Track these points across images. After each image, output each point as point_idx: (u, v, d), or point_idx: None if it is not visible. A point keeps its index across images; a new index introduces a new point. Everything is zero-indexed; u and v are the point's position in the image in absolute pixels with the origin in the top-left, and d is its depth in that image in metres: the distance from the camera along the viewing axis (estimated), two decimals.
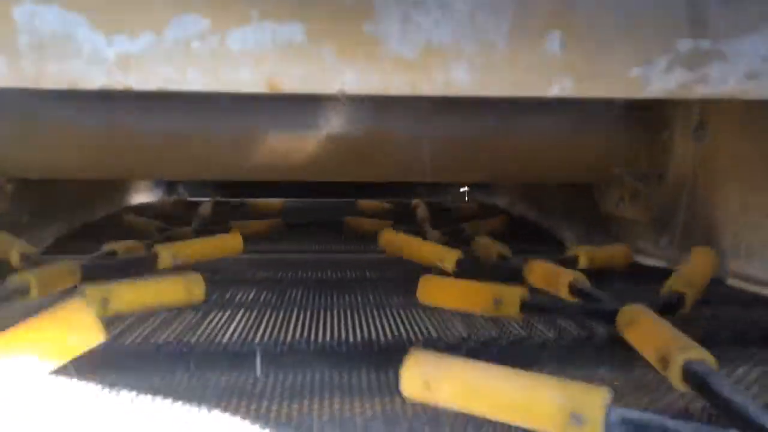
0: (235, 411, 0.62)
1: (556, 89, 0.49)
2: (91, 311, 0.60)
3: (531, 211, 1.88)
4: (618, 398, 0.49)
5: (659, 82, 0.50)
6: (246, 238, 1.28)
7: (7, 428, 0.56)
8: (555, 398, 0.48)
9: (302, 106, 1.29)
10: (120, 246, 1.18)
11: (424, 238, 1.33)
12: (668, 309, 0.79)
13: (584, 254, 1.13)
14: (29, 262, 1.07)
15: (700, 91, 0.51)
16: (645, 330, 0.69)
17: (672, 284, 0.88)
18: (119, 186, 1.97)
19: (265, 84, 0.49)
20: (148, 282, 0.90)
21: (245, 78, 0.48)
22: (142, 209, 1.93)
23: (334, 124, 1.30)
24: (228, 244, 1.17)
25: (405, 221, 1.68)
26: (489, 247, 1.24)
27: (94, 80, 0.46)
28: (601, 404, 0.45)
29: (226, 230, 1.52)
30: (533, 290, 0.96)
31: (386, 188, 2.11)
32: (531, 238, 1.61)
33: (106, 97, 1.24)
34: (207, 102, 1.26)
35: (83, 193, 1.69)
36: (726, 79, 0.50)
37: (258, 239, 1.54)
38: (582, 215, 1.56)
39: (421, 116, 1.30)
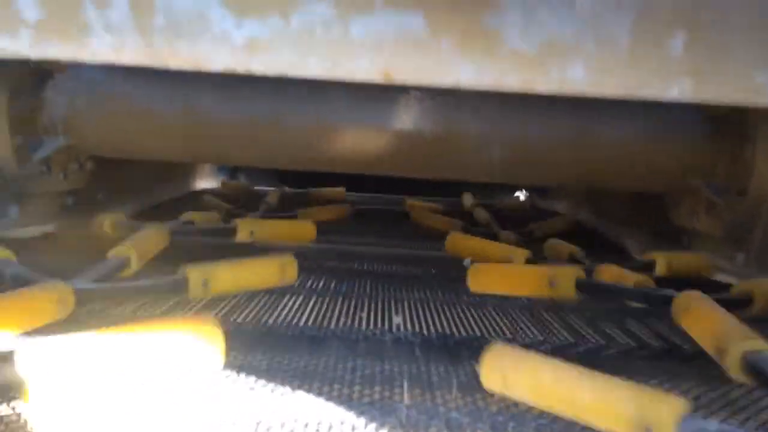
0: (318, 393, 0.63)
1: (675, 92, 0.48)
2: (221, 336, 0.62)
3: (592, 217, 1.85)
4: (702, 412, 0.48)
5: None
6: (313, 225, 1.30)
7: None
8: (628, 405, 0.47)
9: (375, 101, 1.30)
10: (198, 216, 1.23)
11: (494, 239, 1.32)
12: (733, 305, 0.76)
13: (662, 260, 1.10)
14: (122, 228, 1.13)
15: None
16: (701, 317, 0.67)
17: (743, 286, 0.85)
18: (186, 170, 2.03)
19: (380, 74, 0.49)
20: (245, 263, 0.93)
21: (363, 67, 0.49)
22: (210, 193, 1.98)
23: (405, 120, 1.30)
24: (302, 230, 1.19)
25: (465, 221, 1.67)
26: (560, 248, 1.23)
27: (219, 62, 0.47)
28: (674, 415, 0.44)
29: (293, 216, 1.55)
30: None
31: (435, 187, 2.10)
32: (593, 244, 1.59)
33: (184, 82, 1.28)
34: (281, 91, 1.29)
35: (152, 176, 1.75)
36: None
37: (325, 227, 1.57)
38: (648, 224, 1.53)
39: (492, 116, 1.29)
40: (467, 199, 2.04)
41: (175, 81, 1.28)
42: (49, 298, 0.71)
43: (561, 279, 0.83)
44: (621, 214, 1.69)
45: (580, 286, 0.82)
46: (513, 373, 0.58)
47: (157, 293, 0.86)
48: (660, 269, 1.09)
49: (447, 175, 1.40)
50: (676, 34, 0.47)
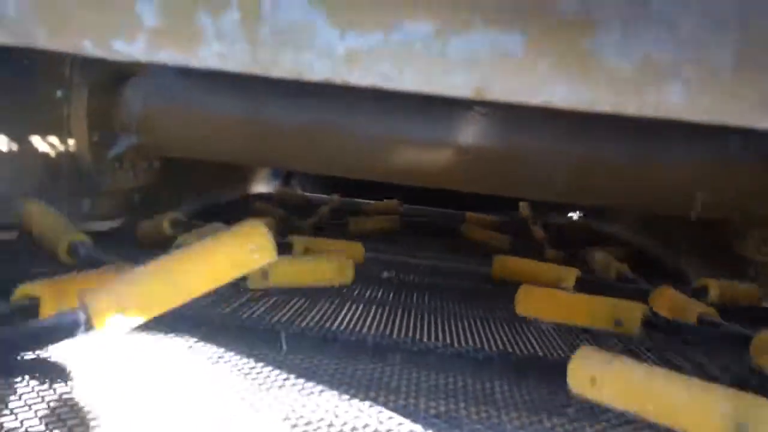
0: (384, 402, 0.64)
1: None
2: (266, 231, 0.63)
3: (651, 242, 1.81)
4: None
5: None
6: (365, 235, 1.31)
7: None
8: (722, 407, 0.46)
9: (439, 114, 1.31)
10: None
11: (541, 257, 1.31)
12: None
13: (715, 287, 1.08)
14: (179, 227, 1.16)
15: None
16: None
17: None
18: (245, 174, 2.07)
19: (473, 91, 0.50)
20: (304, 260, 0.95)
21: (456, 83, 0.49)
22: (264, 197, 2.02)
23: (468, 135, 1.31)
24: (352, 250, 1.20)
25: (517, 236, 1.67)
26: (607, 263, 1.21)
27: (320, 72, 0.49)
28: None
29: (344, 224, 1.57)
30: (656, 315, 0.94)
31: (492, 200, 2.09)
32: (651, 270, 1.55)
33: (252, 88, 1.31)
34: (346, 100, 1.31)
35: (212, 178, 1.80)
36: None
37: (375, 238, 1.58)
38: (710, 253, 1.49)
39: (556, 135, 1.28)
40: (524, 209, 2.03)
41: (244, 87, 1.31)
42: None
43: (626, 314, 0.81)
44: (680, 241, 1.65)
45: (646, 324, 0.80)
46: (602, 375, 0.58)
47: None
48: (713, 296, 1.06)
49: (507, 192, 1.40)
50: None
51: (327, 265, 0.97)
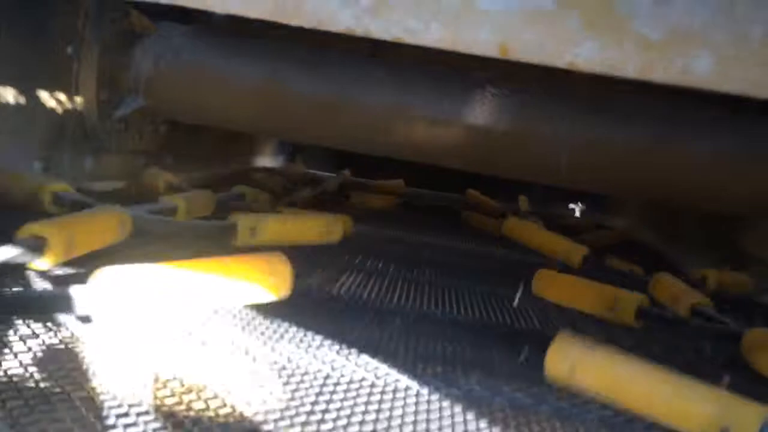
0: (383, 361, 0.63)
1: None
2: (288, 266, 0.63)
3: (652, 236, 1.80)
4: None
5: None
6: (367, 213, 1.31)
7: None
8: (708, 405, 0.46)
9: (451, 92, 1.30)
10: (249, 191, 1.27)
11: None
12: None
13: (713, 276, 1.08)
14: (173, 189, 1.16)
15: None
16: None
17: None
18: (250, 147, 2.06)
19: (497, 47, 0.49)
20: (292, 217, 0.95)
21: (482, 38, 0.49)
22: (268, 171, 2.01)
23: (478, 114, 1.30)
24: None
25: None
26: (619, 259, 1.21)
27: (341, 22, 0.48)
28: (756, 421, 0.43)
29: (347, 198, 1.57)
30: (654, 303, 0.94)
31: (494, 190, 2.09)
32: (647, 261, 1.55)
33: (266, 54, 1.30)
34: (360, 71, 1.29)
35: (217, 148, 1.78)
36: None
37: (375, 215, 1.58)
38: (714, 249, 1.48)
39: (565, 118, 1.27)
40: (523, 203, 2.03)
41: (258, 51, 1.29)
42: (111, 220, 0.73)
43: (623, 304, 0.82)
44: (685, 236, 1.64)
45: (641, 313, 0.81)
46: (582, 364, 0.57)
47: (207, 235, 0.88)
48: (711, 285, 1.06)
49: (513, 174, 1.39)
50: None
51: (314, 223, 0.96)
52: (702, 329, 0.84)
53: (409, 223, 1.62)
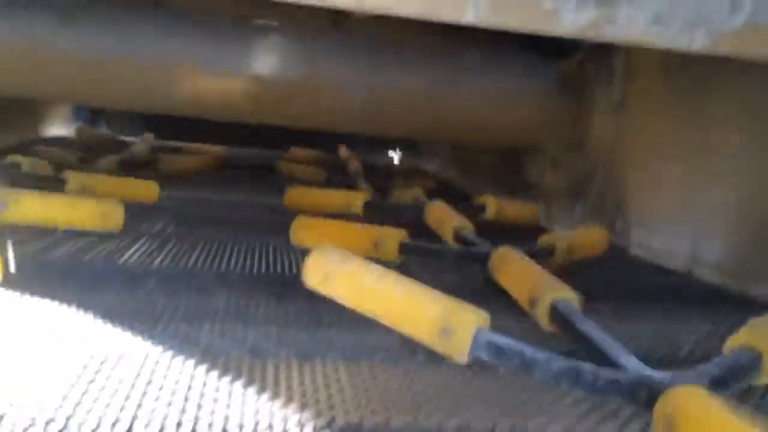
0: (124, 328, 0.60)
1: (470, 15, 0.48)
2: None
3: (457, 175, 1.90)
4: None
5: (571, 17, 0.50)
6: (174, 176, 1.24)
7: None
8: (434, 308, 0.48)
9: (233, 41, 1.25)
10: (25, 161, 1.13)
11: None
12: (536, 255, 0.78)
13: (492, 203, 1.15)
14: None
15: (609, 33, 0.52)
16: (515, 272, 0.69)
17: (548, 238, 0.90)
18: (36, 113, 1.87)
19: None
20: (59, 197, 0.85)
21: None
22: (59, 141, 1.84)
23: (264, 63, 1.27)
24: (144, 189, 1.10)
25: (338, 174, 1.68)
26: (405, 192, 1.26)
27: None
28: (472, 324, 0.46)
29: (155, 165, 1.48)
30: (430, 233, 0.99)
31: (314, 143, 2.09)
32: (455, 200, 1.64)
33: (28, 6, 1.17)
34: (131, 23, 1.20)
35: None
36: (633, 22, 0.51)
37: (184, 178, 1.51)
38: (507, 182, 1.59)
39: (354, 62, 1.28)
40: (343, 151, 2.05)
41: (15, 6, 1.16)
42: None
43: (385, 241, 0.83)
44: (483, 173, 1.75)
45: (403, 248, 0.83)
46: (335, 274, 0.58)
47: None
48: (490, 212, 1.14)
49: (307, 123, 1.38)
50: None
51: (85, 206, 0.87)
52: (457, 253, 0.88)
53: (224, 184, 1.56)
